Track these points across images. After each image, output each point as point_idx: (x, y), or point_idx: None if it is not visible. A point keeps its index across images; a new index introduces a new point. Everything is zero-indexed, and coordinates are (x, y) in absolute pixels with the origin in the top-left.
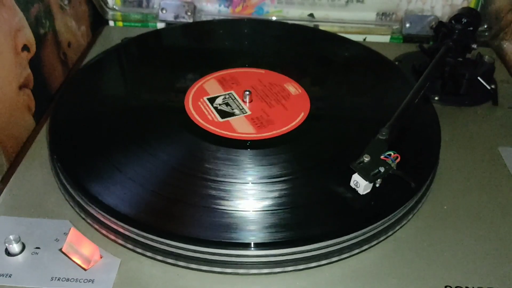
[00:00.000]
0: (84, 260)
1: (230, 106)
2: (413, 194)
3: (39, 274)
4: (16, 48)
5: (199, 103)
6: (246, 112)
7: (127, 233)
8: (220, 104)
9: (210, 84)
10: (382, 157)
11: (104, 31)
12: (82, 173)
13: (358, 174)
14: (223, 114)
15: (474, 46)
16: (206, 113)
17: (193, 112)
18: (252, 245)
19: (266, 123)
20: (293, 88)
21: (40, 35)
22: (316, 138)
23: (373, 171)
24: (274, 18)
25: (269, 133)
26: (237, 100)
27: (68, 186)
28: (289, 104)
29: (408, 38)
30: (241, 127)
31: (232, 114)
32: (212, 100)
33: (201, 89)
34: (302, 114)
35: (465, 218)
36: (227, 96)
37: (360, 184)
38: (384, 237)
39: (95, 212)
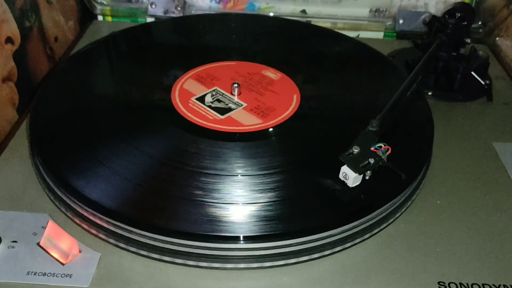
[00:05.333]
0: (62, 255)
1: (223, 101)
2: (405, 187)
3: (15, 268)
4: None
5: (190, 104)
6: (242, 105)
7: (107, 226)
8: (212, 102)
9: (190, 84)
10: (372, 148)
11: (92, 25)
12: (61, 164)
13: (347, 165)
14: (221, 110)
15: (468, 40)
16: (204, 113)
17: (188, 114)
18: (238, 239)
19: (268, 111)
20: (271, 73)
21: (25, 28)
22: (306, 132)
23: (363, 163)
24: (271, 14)
25: (276, 120)
26: (226, 95)
27: (46, 177)
28: (277, 89)
29: (401, 35)
30: (246, 119)
31: (229, 109)
32: (201, 99)
33: (183, 90)
34: (295, 95)
35: (459, 213)
36: (214, 93)
37: (349, 176)
38: (375, 231)
39: (74, 205)
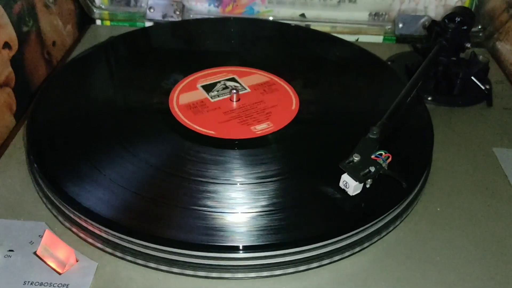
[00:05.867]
0: (59, 264)
1: (224, 90)
2: (405, 195)
3: (11, 278)
4: None
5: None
6: (211, 97)
7: (105, 235)
8: (221, 84)
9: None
10: (372, 156)
11: (90, 30)
12: (59, 173)
13: (347, 174)
14: (207, 88)
15: (468, 45)
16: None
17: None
18: (237, 249)
19: (200, 112)
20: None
21: (23, 33)
22: (305, 139)
23: (363, 171)
24: (271, 18)
25: (186, 122)
26: (230, 90)
27: (44, 187)
28: (250, 123)
29: (401, 39)
30: (183, 99)
31: (208, 90)
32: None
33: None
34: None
35: (459, 220)
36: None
37: (350, 184)
38: (375, 240)
39: (71, 214)
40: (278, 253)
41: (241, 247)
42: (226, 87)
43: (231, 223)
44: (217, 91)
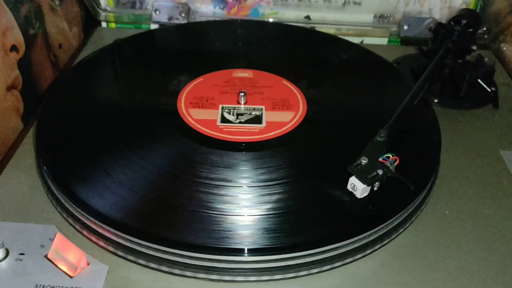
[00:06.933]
0: (70, 267)
1: (245, 113)
2: (413, 198)
3: (23, 281)
4: (4, 48)
5: (224, 129)
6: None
7: (115, 238)
8: (236, 118)
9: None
10: (380, 159)
11: (96, 32)
12: (69, 176)
13: (355, 176)
14: (255, 120)
15: (474, 47)
16: (244, 131)
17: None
18: (246, 251)
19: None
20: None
21: (30, 35)
22: (312, 141)
23: (371, 174)
24: (271, 20)
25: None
26: (237, 107)
27: (54, 190)
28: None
29: (406, 41)
30: (280, 117)
31: (260, 116)
32: (225, 121)
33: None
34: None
35: (467, 223)
36: (227, 110)
37: (358, 187)
38: (383, 243)
39: (82, 217)
40: (285, 256)
41: (254, 250)
42: (232, 109)
43: (244, 225)
44: (245, 112)
